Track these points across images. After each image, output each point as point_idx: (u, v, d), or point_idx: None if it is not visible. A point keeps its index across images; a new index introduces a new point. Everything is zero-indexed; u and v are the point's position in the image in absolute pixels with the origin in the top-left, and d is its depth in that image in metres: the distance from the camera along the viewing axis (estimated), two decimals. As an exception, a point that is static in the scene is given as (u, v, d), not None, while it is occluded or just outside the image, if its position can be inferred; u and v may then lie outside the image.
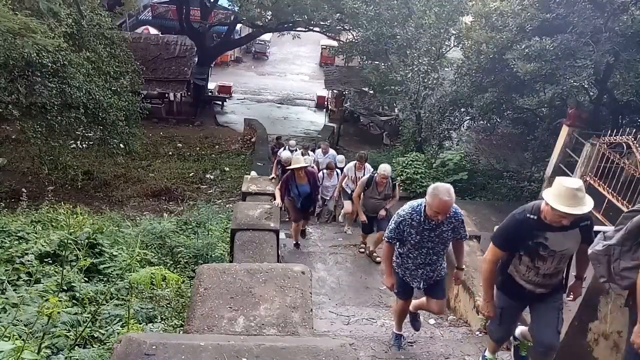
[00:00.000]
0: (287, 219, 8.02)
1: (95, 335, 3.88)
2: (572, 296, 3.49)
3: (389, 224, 3.92)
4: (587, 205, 2.94)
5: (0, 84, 10.70)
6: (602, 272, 2.73)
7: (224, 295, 2.80)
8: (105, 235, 6.32)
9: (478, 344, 4.55)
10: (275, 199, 6.85)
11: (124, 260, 5.50)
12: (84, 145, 14.55)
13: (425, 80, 13.49)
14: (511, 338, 3.84)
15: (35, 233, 6.29)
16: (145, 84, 18.57)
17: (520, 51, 10.12)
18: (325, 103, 25.01)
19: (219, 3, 25.26)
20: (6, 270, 4.61)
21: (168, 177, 16.39)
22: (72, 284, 4.60)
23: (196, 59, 23.00)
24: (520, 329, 3.76)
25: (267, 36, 29.00)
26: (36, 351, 2.83)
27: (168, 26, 27.53)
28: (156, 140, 19.44)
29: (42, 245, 5.31)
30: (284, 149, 11.30)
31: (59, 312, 3.13)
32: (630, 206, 8.07)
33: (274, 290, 2.86)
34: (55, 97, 11.62)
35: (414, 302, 4.35)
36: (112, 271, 5.38)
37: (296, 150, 10.93)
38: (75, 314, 3.92)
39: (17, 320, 3.40)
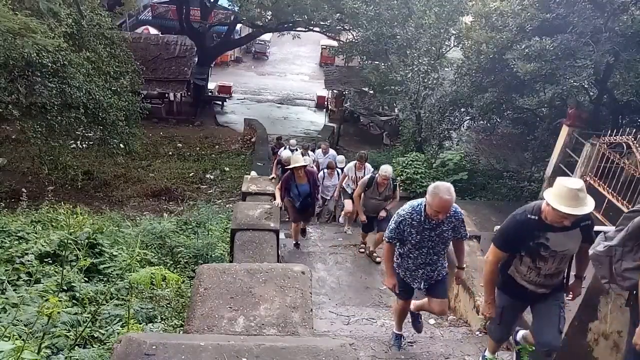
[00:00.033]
0: (287, 219, 8.02)
1: (95, 335, 3.88)
2: (571, 295, 3.48)
3: (389, 224, 3.90)
4: (589, 205, 2.93)
5: (0, 84, 10.70)
6: (603, 273, 2.72)
7: (224, 295, 2.80)
8: (105, 235, 6.32)
9: (478, 344, 4.55)
10: (275, 199, 6.85)
11: (124, 260, 5.50)
12: (84, 145, 14.55)
13: (425, 80, 13.49)
14: (513, 343, 3.83)
15: (35, 233, 6.29)
16: (145, 84, 18.57)
17: (520, 51, 10.12)
18: (325, 103, 25.01)
19: (219, 3, 25.26)
20: (6, 270, 4.61)
21: (168, 177, 16.39)
22: (72, 284, 4.59)
23: (196, 59, 23.00)
24: (521, 333, 3.75)
25: (267, 36, 29.00)
26: (36, 351, 2.83)
27: (168, 26, 27.53)
28: (156, 140, 19.44)
29: (42, 245, 5.31)
30: (285, 149, 11.30)
31: (59, 312, 3.13)
32: (630, 206, 8.08)
33: (274, 290, 2.86)
34: (55, 97, 11.62)
35: (416, 303, 4.32)
36: (112, 271, 5.38)
37: (297, 149, 10.94)
38: (75, 314, 3.92)
39: (17, 320, 3.40)
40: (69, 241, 4.94)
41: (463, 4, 14.27)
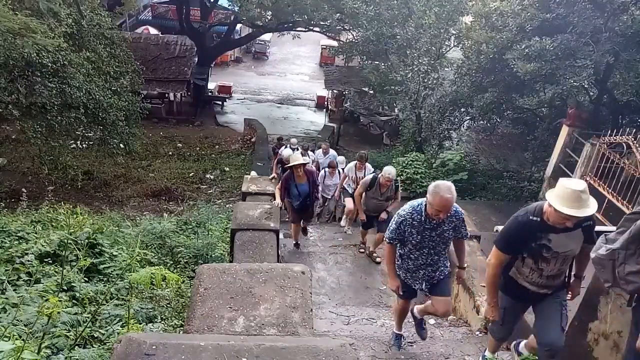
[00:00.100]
0: (287, 219, 8.02)
1: (95, 335, 3.88)
2: (570, 295, 3.47)
3: (390, 224, 3.88)
4: (591, 207, 2.91)
5: (0, 84, 10.70)
6: (606, 276, 2.70)
7: (224, 295, 2.80)
8: (105, 235, 6.32)
9: (478, 344, 4.55)
10: (275, 199, 6.85)
11: (124, 260, 5.50)
12: (84, 145, 14.55)
13: (425, 80, 13.50)
14: (515, 354, 3.81)
15: (35, 233, 6.29)
16: (145, 84, 18.58)
17: (520, 51, 10.12)
18: (325, 103, 25.02)
19: (219, 3, 25.27)
20: (6, 270, 4.61)
21: (168, 177, 16.40)
22: (72, 284, 4.59)
23: (196, 59, 23.01)
24: (523, 344, 3.73)
25: (267, 36, 29.01)
26: (36, 351, 2.83)
27: (168, 26, 27.54)
28: (156, 140, 19.45)
29: (42, 245, 5.31)
30: (285, 147, 11.31)
31: (59, 312, 3.13)
32: (630, 206, 8.09)
33: (274, 290, 2.86)
34: (55, 97, 11.62)
35: (419, 307, 4.28)
36: (112, 271, 5.38)
37: (297, 149, 10.95)
38: (75, 314, 3.92)
39: (17, 320, 3.40)
40: (69, 241, 4.94)
41: (463, 4, 14.27)
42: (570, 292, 3.47)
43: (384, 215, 6.66)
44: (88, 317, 3.83)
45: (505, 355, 4.14)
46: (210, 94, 24.58)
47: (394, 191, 6.66)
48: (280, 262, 5.39)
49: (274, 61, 32.02)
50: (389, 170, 6.43)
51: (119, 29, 19.37)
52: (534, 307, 3.49)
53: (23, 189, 9.93)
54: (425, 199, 3.63)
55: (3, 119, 14.78)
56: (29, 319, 3.43)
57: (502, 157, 15.70)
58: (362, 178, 7.40)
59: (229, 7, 25.13)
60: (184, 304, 5.03)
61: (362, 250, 7.53)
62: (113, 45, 14.83)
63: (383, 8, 15.94)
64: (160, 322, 4.50)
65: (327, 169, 9.17)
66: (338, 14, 19.55)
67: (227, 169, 17.63)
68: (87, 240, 5.28)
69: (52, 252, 5.30)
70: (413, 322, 4.42)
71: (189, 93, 23.40)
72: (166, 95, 22.37)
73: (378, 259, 7.15)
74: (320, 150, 11.19)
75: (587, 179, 9.56)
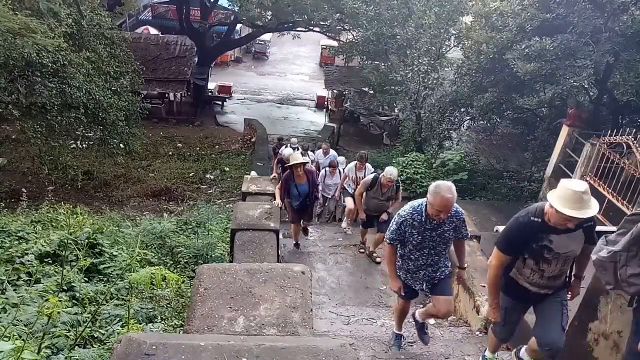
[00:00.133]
0: (287, 219, 8.02)
1: (95, 335, 3.88)
2: (570, 295, 3.47)
3: (390, 225, 3.87)
4: (593, 208, 2.90)
5: (0, 84, 10.70)
6: (608, 279, 2.68)
7: (224, 295, 2.80)
8: (105, 235, 6.33)
9: (478, 344, 4.55)
10: (275, 199, 6.85)
11: (124, 260, 5.50)
12: (84, 145, 14.55)
13: (425, 80, 13.50)
14: (515, 358, 3.80)
15: (35, 233, 6.30)
16: (145, 84, 18.58)
17: (520, 51, 10.12)
18: (325, 103, 25.02)
19: (219, 3, 25.27)
20: (6, 270, 4.61)
21: (168, 177, 16.40)
22: (72, 284, 4.60)
23: (196, 59, 23.01)
24: (523, 349, 3.73)
25: (267, 36, 29.02)
26: (36, 351, 2.83)
27: (168, 26, 27.54)
28: (156, 140, 19.45)
29: (42, 245, 5.31)
30: (286, 147, 11.32)
31: (59, 312, 3.13)
32: (630, 206, 8.09)
33: (274, 290, 2.86)
34: (55, 97, 11.62)
35: (420, 310, 4.25)
36: (112, 271, 5.39)
37: (297, 148, 10.96)
38: (75, 314, 3.92)
39: (17, 320, 3.41)
40: (69, 241, 4.95)
41: (463, 4, 14.27)
42: (570, 292, 3.47)
43: (384, 216, 6.65)
44: (88, 317, 3.83)
45: (505, 355, 4.14)
46: (210, 94, 24.58)
47: (394, 191, 6.66)
48: (280, 262, 5.39)
49: (274, 61, 32.02)
50: (391, 171, 6.42)
51: (119, 29, 19.38)
52: (535, 307, 3.48)
53: (23, 189, 9.93)
54: (425, 199, 3.63)
55: (3, 119, 14.78)
56: (29, 319, 3.44)
57: (502, 157, 15.70)
58: (362, 178, 7.40)
59: (229, 7, 25.14)
60: (184, 304, 5.03)
61: (362, 250, 7.52)
62: (113, 45, 14.83)
63: (383, 8, 15.94)
64: (160, 322, 4.50)
65: (327, 169, 9.16)
66: (338, 14, 19.55)
67: (227, 169, 17.63)
68: (87, 240, 5.28)
69: (52, 252, 5.31)
70: (413, 323, 4.41)
71: (189, 93, 23.40)
72: (166, 95, 22.37)
73: (378, 259, 7.15)
74: (321, 150, 11.18)
75: (587, 179, 9.56)
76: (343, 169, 8.99)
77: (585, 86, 12.03)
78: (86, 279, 5.07)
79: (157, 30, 27.26)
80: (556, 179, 10.95)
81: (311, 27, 22.84)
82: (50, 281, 4.38)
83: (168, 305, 5.01)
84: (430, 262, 3.85)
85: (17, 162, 15.40)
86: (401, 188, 6.91)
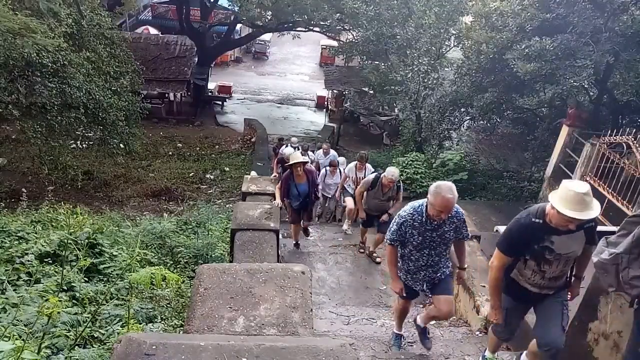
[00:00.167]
0: (287, 219, 8.02)
1: (95, 335, 3.88)
2: (570, 295, 3.47)
3: (390, 225, 3.86)
4: (595, 209, 2.88)
5: (0, 84, 10.70)
6: (610, 281, 2.67)
7: (224, 295, 2.80)
8: (105, 235, 6.33)
9: (478, 344, 4.55)
10: (275, 199, 6.85)
11: (124, 260, 5.50)
12: (84, 145, 14.55)
13: (425, 80, 13.50)
14: None
15: (35, 233, 6.30)
16: (145, 84, 18.58)
17: (520, 51, 10.12)
18: (325, 103, 25.02)
19: (219, 3, 25.27)
20: (6, 270, 4.62)
21: (168, 177, 16.40)
22: (72, 284, 4.60)
23: (196, 59, 23.01)
24: (524, 354, 3.72)
25: (267, 36, 29.02)
26: (36, 351, 2.83)
27: (168, 26, 27.55)
28: (156, 140, 19.45)
29: (42, 245, 5.32)
30: (286, 146, 11.32)
31: (59, 312, 3.13)
32: (630, 206, 8.09)
33: (274, 290, 2.86)
34: (55, 97, 11.62)
35: (421, 315, 4.23)
36: (112, 271, 5.39)
37: (298, 148, 10.97)
38: (75, 314, 3.92)
39: (17, 320, 3.41)
40: (69, 241, 4.95)
41: (463, 4, 14.27)
42: (569, 293, 3.47)
43: (385, 217, 6.64)
44: (88, 317, 3.83)
45: (505, 355, 4.14)
46: (210, 94, 24.58)
47: (395, 192, 6.65)
48: (280, 262, 5.39)
49: (274, 61, 32.02)
50: (392, 172, 6.42)
51: (119, 29, 19.38)
52: (535, 307, 3.48)
53: (23, 189, 9.93)
54: (426, 199, 3.62)
55: (3, 119, 14.79)
56: (29, 319, 3.44)
57: (502, 157, 15.70)
58: (363, 178, 7.41)
59: (229, 7, 25.14)
60: (184, 304, 5.03)
61: (361, 250, 7.52)
62: (113, 45, 14.83)
63: (383, 8, 15.94)
64: (160, 322, 4.50)
65: (328, 168, 9.15)
66: (338, 14, 19.55)
67: (227, 169, 17.64)
68: (87, 240, 5.28)
69: (52, 252, 5.31)
70: (413, 323, 4.40)
71: (189, 93, 23.40)
72: (166, 95, 22.37)
73: (378, 259, 7.15)
74: (321, 150, 11.17)
75: (587, 179, 9.56)
76: (343, 169, 8.99)
77: (585, 86, 12.02)
78: (86, 279, 5.07)
79: (157, 30, 27.26)
80: (556, 179, 10.97)
81: (311, 27, 22.84)
82: (50, 281, 4.38)
83: (168, 305, 5.01)
84: (430, 263, 3.85)
85: (17, 162, 15.40)
86: (402, 188, 6.89)
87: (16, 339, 2.88)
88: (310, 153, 11.06)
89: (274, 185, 7.45)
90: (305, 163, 7.08)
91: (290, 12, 20.90)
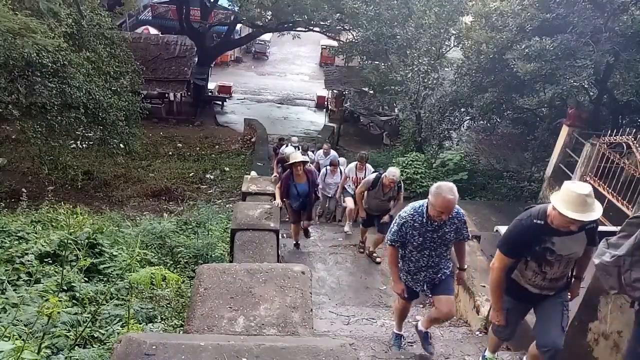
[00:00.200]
0: (287, 219, 8.02)
1: (95, 335, 3.89)
2: (570, 296, 3.47)
3: (391, 226, 3.86)
4: (597, 211, 2.87)
5: (0, 84, 10.70)
6: (612, 283, 2.65)
7: (224, 295, 2.80)
8: (105, 235, 6.33)
9: (478, 344, 4.55)
10: (275, 199, 6.84)
11: (124, 260, 5.50)
12: (84, 145, 14.55)
13: (425, 80, 13.50)
14: None
15: (35, 233, 6.30)
16: (145, 84, 18.59)
17: (520, 51, 10.12)
18: (325, 103, 25.03)
19: (219, 3, 25.28)
20: (6, 270, 4.62)
21: (168, 177, 16.40)
22: (72, 284, 4.60)
23: (196, 59, 23.02)
24: (524, 358, 3.72)
25: (267, 36, 29.02)
26: (36, 351, 2.83)
27: (168, 26, 27.56)
28: (156, 140, 19.46)
29: (42, 245, 5.32)
30: (286, 146, 11.33)
31: (59, 312, 3.14)
32: (630, 206, 8.08)
33: (274, 290, 2.86)
34: (55, 97, 11.62)
35: (423, 319, 4.22)
36: (112, 271, 5.39)
37: (298, 148, 10.97)
38: (75, 314, 3.92)
39: (17, 320, 3.41)
40: (69, 241, 4.95)
41: (463, 4, 14.27)
42: (569, 294, 3.47)
43: (386, 218, 6.63)
44: (88, 317, 3.83)
45: (505, 355, 4.14)
46: (210, 94, 24.59)
47: (396, 192, 6.64)
48: (280, 262, 5.39)
49: (274, 61, 32.03)
50: (393, 172, 6.40)
51: (119, 29, 19.38)
52: (535, 308, 3.47)
53: (23, 189, 9.93)
54: (426, 200, 3.62)
55: (3, 119, 14.79)
56: (29, 319, 3.44)
57: (502, 157, 15.70)
58: (363, 179, 7.39)
59: (229, 7, 25.15)
60: (184, 304, 5.03)
61: (361, 250, 7.52)
62: (113, 45, 14.83)
63: (383, 8, 15.94)
64: (160, 322, 4.50)
65: (328, 167, 9.13)
66: (338, 14, 19.55)
67: (227, 169, 17.64)
68: (87, 240, 5.28)
69: (52, 252, 5.31)
70: (415, 329, 4.39)
71: (189, 93, 23.41)
72: (166, 95, 22.38)
73: (378, 259, 7.15)
74: (321, 151, 11.17)
75: (587, 179, 9.56)
76: (343, 170, 8.98)
77: (585, 86, 12.02)
78: (86, 279, 5.07)
79: (157, 30, 27.27)
80: (556, 179, 10.97)
81: (311, 27, 22.84)
82: (50, 281, 4.38)
83: (168, 305, 5.01)
84: (431, 264, 3.84)
85: (17, 162, 15.41)
86: (403, 189, 6.88)
87: (16, 339, 2.88)
88: (310, 153, 11.06)
89: (274, 185, 7.44)
90: (305, 163, 7.06)
91: (290, 12, 20.91)
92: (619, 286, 2.63)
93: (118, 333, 3.73)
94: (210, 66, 25.26)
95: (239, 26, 26.31)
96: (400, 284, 4.01)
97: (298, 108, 25.87)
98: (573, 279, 3.46)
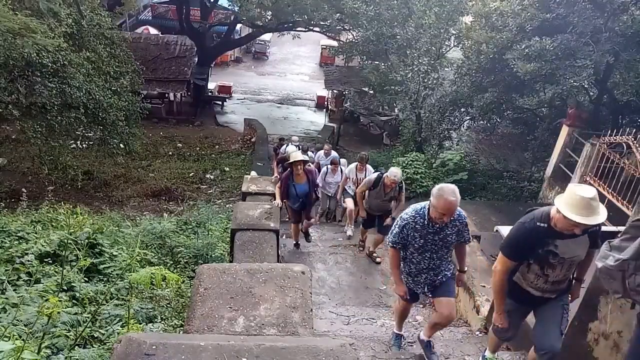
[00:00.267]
0: (287, 219, 8.01)
1: (95, 335, 3.88)
2: (570, 297, 3.47)
3: (392, 228, 3.85)
4: (602, 215, 2.85)
5: (0, 84, 10.70)
6: (616, 287, 2.63)
7: (224, 295, 2.80)
8: (105, 235, 6.33)
9: (478, 344, 4.55)
10: (275, 199, 6.83)
11: (124, 260, 5.50)
12: (84, 145, 14.56)
13: (425, 80, 13.49)
14: None
15: (35, 233, 6.30)
16: (145, 84, 18.59)
17: (520, 51, 10.11)
18: (325, 103, 25.03)
19: (219, 3, 25.28)
20: (6, 270, 4.61)
21: (168, 177, 16.41)
22: (72, 284, 4.60)
23: (196, 59, 23.02)
24: None
25: (267, 36, 29.02)
26: (36, 351, 2.83)
27: (168, 26, 27.56)
28: (156, 140, 19.46)
29: (42, 245, 5.31)
30: (287, 146, 11.33)
31: (59, 312, 3.13)
32: (630, 206, 8.08)
33: (274, 290, 2.86)
34: (55, 97, 11.63)
35: (424, 328, 4.18)
36: (112, 271, 5.39)
37: (298, 147, 10.96)
38: (75, 314, 3.92)
39: (17, 320, 3.41)
40: (69, 241, 4.95)
41: (463, 4, 14.27)
42: (570, 296, 3.46)
43: (388, 221, 6.62)
44: (88, 317, 3.83)
45: (505, 355, 4.14)
46: (210, 94, 24.59)
47: (397, 192, 6.62)
48: (280, 262, 5.39)
49: (274, 61, 32.03)
50: (395, 172, 6.37)
51: (119, 29, 19.38)
52: (536, 310, 3.47)
53: (23, 189, 9.93)
54: (428, 202, 3.61)
55: (3, 119, 14.79)
56: (29, 319, 3.44)
57: (502, 157, 15.69)
58: (363, 180, 7.38)
59: (229, 7, 25.15)
60: (184, 304, 5.03)
61: (361, 249, 7.52)
62: (113, 45, 14.83)
63: (383, 8, 15.93)
64: (160, 322, 4.50)
65: (329, 166, 9.13)
66: (338, 14, 19.55)
67: (227, 169, 17.64)
68: (87, 240, 5.28)
69: (52, 252, 5.31)
70: (413, 323, 4.40)
71: (189, 93, 23.41)
72: (166, 95, 22.38)
73: (378, 259, 7.15)
74: (322, 151, 11.16)
75: (587, 178, 9.56)
76: (344, 170, 8.98)
77: (585, 86, 12.01)
78: (86, 279, 5.07)
79: (157, 30, 27.28)
80: (556, 179, 10.97)
81: (311, 27, 22.84)
82: (50, 281, 4.38)
83: (168, 305, 5.01)
84: (432, 266, 3.83)
85: (17, 162, 15.41)
86: (404, 189, 6.87)
87: (16, 339, 2.88)
88: (310, 153, 11.05)
89: (274, 185, 7.43)
90: (306, 162, 7.05)
91: (290, 12, 20.90)
92: (623, 290, 2.60)
93: (118, 333, 3.72)
94: (210, 66, 25.26)
95: (239, 26, 26.31)
96: (402, 286, 4.00)
97: (298, 108, 25.87)
98: (574, 281, 3.45)
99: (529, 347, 3.58)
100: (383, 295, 6.33)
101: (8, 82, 11.11)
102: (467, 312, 5.39)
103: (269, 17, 22.05)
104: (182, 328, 4.09)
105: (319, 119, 24.14)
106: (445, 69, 15.50)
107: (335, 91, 23.43)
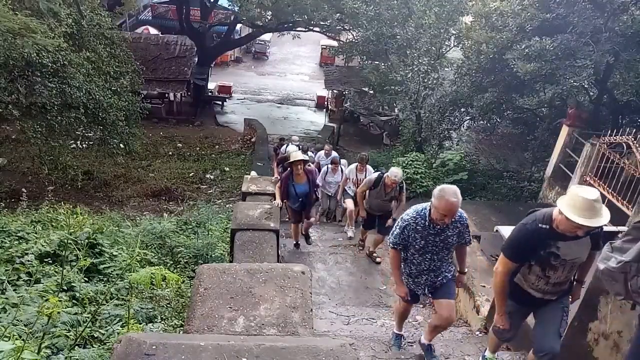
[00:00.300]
0: (287, 219, 8.01)
1: (95, 335, 3.89)
2: (571, 299, 3.46)
3: (393, 229, 3.85)
4: (604, 217, 2.84)
5: (0, 84, 10.71)
6: (618, 290, 2.62)
7: (224, 295, 2.80)
8: (105, 235, 6.33)
9: (478, 344, 4.55)
10: (275, 199, 6.83)
11: (124, 260, 5.51)
12: (84, 145, 14.56)
13: (425, 80, 13.49)
14: None
15: (35, 233, 6.30)
16: (145, 84, 18.59)
17: (520, 51, 10.11)
18: (325, 103, 25.03)
19: (219, 3, 25.28)
20: (6, 270, 4.62)
21: (168, 177, 16.41)
22: (72, 284, 4.60)
23: (196, 59, 23.02)
24: None
25: (267, 36, 29.03)
26: (36, 351, 2.83)
27: (168, 26, 27.57)
28: (156, 140, 19.46)
29: (42, 245, 5.32)
30: (287, 145, 11.33)
31: (59, 312, 3.14)
32: (630, 206, 8.08)
33: (274, 290, 2.86)
34: (55, 97, 11.63)
35: (426, 331, 4.17)
36: (112, 271, 5.39)
37: (299, 147, 10.97)
38: (75, 314, 3.92)
39: (17, 320, 3.41)
40: (69, 241, 4.95)
41: (463, 4, 14.26)
42: (570, 297, 3.46)
43: (390, 222, 6.61)
44: (88, 317, 3.83)
45: (505, 355, 4.15)
46: (210, 94, 24.59)
47: (398, 192, 6.62)
48: (280, 262, 5.39)
49: (274, 61, 32.03)
50: (396, 172, 6.36)
51: (119, 29, 19.38)
52: (536, 311, 3.46)
53: (23, 189, 9.93)
54: (429, 203, 3.60)
55: (3, 119, 14.79)
56: (29, 319, 3.44)
57: (502, 157, 15.68)
58: (363, 180, 7.38)
59: (229, 7, 25.15)
60: (184, 304, 5.04)
61: (361, 248, 7.52)
62: (113, 45, 14.83)
63: (383, 8, 15.93)
64: (160, 322, 4.50)
65: (329, 166, 9.12)
66: (338, 14, 19.55)
67: (227, 169, 17.64)
68: (87, 240, 5.29)
69: (52, 252, 5.31)
70: (413, 323, 4.40)
71: (189, 93, 23.41)
72: (166, 95, 22.38)
73: (378, 259, 7.15)
74: (323, 152, 11.16)
75: (587, 178, 9.56)
76: (344, 169, 8.98)
77: (585, 86, 12.01)
78: (86, 279, 5.07)
79: (157, 30, 27.28)
80: (556, 179, 10.97)
81: (311, 27, 22.84)
82: (50, 281, 4.38)
83: (168, 305, 5.01)
84: (432, 268, 3.83)
85: (17, 162, 15.41)
86: (405, 189, 6.86)
87: (16, 339, 2.88)
88: (310, 153, 11.05)
89: (274, 186, 7.43)
90: (306, 162, 7.04)
91: (290, 12, 20.91)
92: (625, 292, 2.59)
93: (118, 333, 3.73)
94: (210, 66, 25.26)
95: (239, 26, 26.31)
96: (403, 287, 3.99)
97: (298, 108, 25.88)
98: (575, 283, 3.45)
99: (529, 348, 3.58)
100: (383, 296, 6.33)
101: (8, 82, 11.12)
102: (467, 312, 5.39)
103: (269, 17, 22.05)
104: (182, 328, 4.10)
105: (319, 119, 24.14)
106: (445, 69, 15.49)
107: (335, 91, 23.43)
